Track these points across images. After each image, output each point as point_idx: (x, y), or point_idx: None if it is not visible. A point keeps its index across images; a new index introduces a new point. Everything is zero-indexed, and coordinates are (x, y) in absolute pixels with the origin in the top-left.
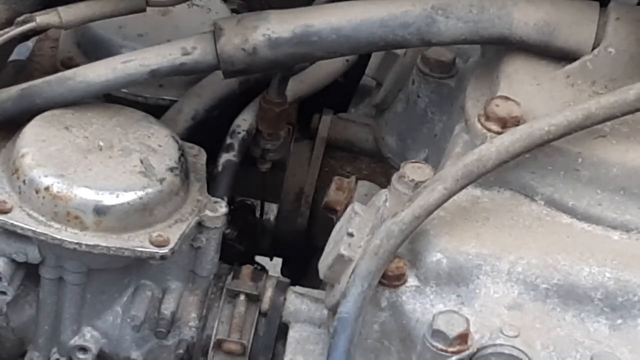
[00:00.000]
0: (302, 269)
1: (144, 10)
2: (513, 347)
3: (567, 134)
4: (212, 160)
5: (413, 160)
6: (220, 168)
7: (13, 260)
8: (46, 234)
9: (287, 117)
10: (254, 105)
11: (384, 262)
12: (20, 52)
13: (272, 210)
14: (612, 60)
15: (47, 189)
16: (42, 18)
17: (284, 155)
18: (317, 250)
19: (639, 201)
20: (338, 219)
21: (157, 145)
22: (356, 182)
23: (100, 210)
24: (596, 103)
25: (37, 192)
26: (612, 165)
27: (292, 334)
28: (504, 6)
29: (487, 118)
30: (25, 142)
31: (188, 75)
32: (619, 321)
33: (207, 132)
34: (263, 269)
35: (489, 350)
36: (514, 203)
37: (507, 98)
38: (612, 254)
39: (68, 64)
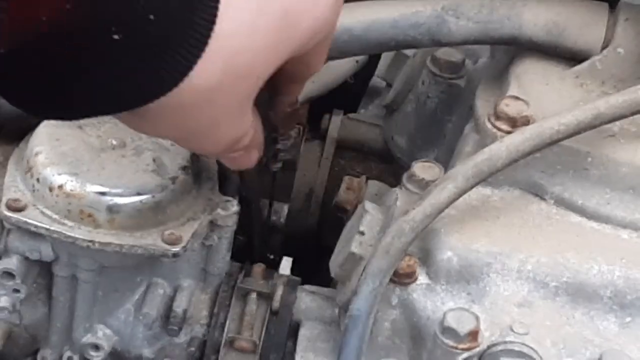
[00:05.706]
0: (313, 268)
1: None
2: (523, 344)
3: (576, 133)
4: None
5: (423, 160)
6: None
7: (27, 258)
8: (59, 232)
9: (298, 117)
10: None
11: (395, 260)
12: None
13: (282, 210)
14: (621, 60)
15: (60, 187)
16: None
17: (295, 156)
18: (327, 250)
19: None
20: (348, 219)
21: (169, 144)
22: (366, 181)
23: (113, 209)
24: (605, 103)
25: (50, 190)
26: (621, 165)
27: (303, 332)
28: (514, 7)
29: (497, 118)
30: (39, 140)
31: None
32: (628, 319)
33: None
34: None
35: (499, 348)
36: (523, 202)
37: (516, 98)
38: (622, 252)
39: None
